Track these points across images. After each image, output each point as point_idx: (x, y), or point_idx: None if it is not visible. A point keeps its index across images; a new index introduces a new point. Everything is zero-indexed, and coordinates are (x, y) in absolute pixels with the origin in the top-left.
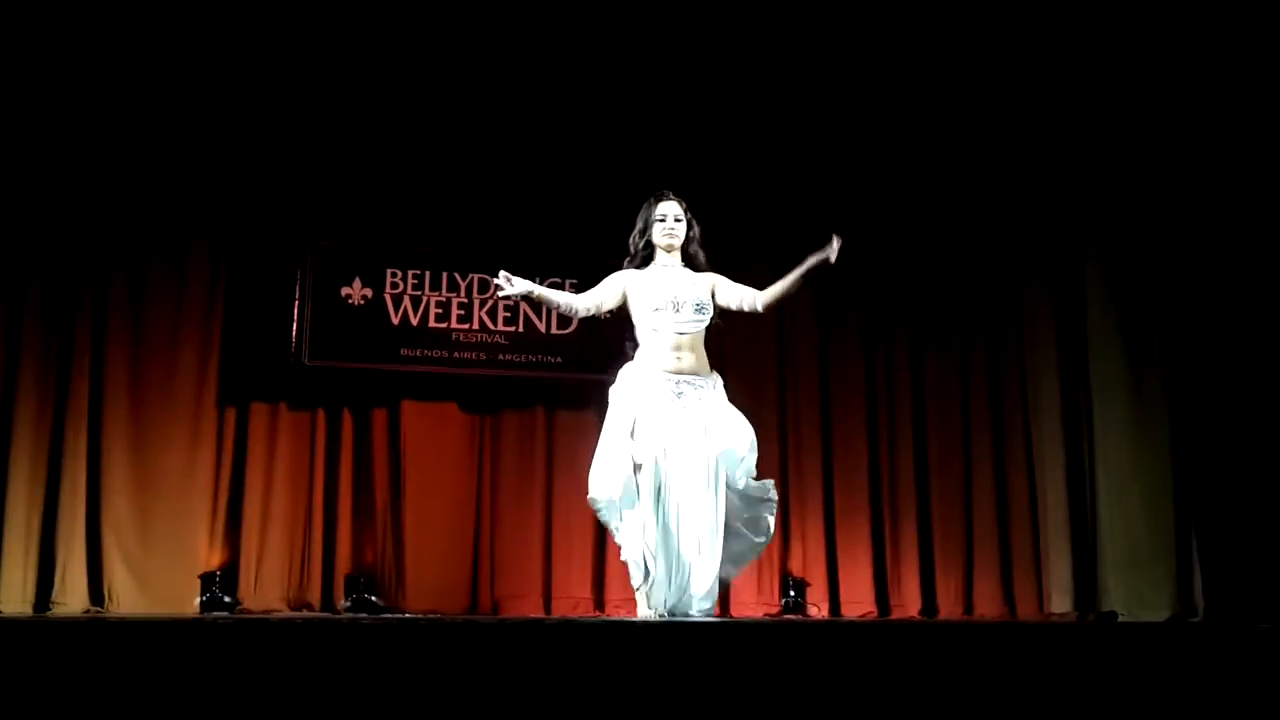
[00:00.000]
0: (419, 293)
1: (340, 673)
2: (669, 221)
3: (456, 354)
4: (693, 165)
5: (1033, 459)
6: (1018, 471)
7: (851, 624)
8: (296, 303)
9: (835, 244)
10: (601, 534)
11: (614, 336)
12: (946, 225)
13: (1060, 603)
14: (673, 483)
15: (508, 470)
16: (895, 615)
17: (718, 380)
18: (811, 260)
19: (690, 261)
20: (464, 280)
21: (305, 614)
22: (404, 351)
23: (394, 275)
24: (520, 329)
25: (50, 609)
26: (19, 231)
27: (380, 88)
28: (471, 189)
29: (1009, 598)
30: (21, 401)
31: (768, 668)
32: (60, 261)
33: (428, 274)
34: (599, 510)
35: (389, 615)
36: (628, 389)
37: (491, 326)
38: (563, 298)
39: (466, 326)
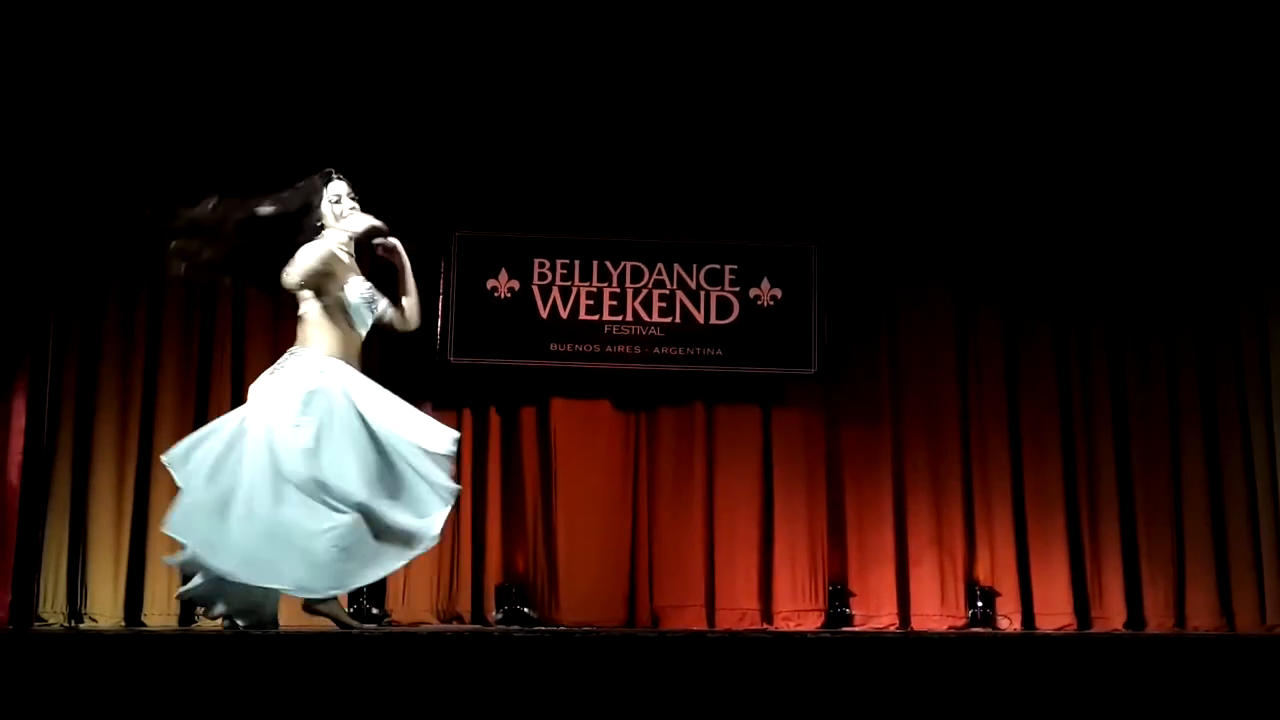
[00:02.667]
0: (568, 283)
1: (495, 688)
2: None
3: (609, 348)
4: (885, 158)
5: (1253, 461)
6: (1235, 474)
7: (1048, 637)
8: (440, 297)
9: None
10: (769, 539)
11: (778, 328)
12: (1161, 220)
13: None
14: None
15: (665, 471)
16: (1097, 628)
17: None
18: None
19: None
20: (615, 269)
21: (456, 626)
22: (553, 346)
23: (541, 265)
24: (677, 319)
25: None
26: None
27: (522, 66)
28: (621, 169)
29: (1227, 609)
30: (163, 398)
31: (954, 685)
32: None
33: (577, 263)
34: None
35: (543, 629)
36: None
37: (646, 318)
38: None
39: (619, 318)
